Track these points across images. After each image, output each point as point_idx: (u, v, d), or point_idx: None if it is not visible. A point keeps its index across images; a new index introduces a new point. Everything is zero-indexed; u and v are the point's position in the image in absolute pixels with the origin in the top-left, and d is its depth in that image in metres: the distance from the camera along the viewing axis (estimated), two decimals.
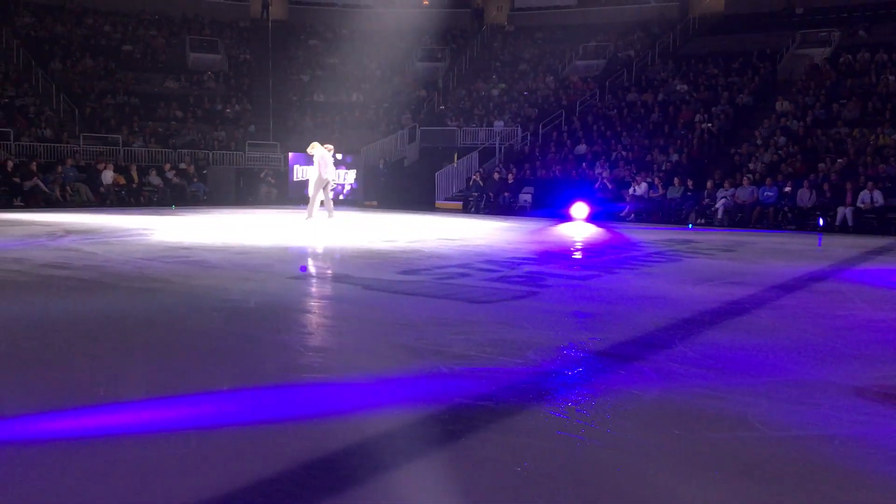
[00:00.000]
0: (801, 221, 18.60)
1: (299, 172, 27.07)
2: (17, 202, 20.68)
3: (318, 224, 15.97)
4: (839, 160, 19.89)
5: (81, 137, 26.03)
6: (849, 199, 18.19)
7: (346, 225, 16.15)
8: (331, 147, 17.02)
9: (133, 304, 6.28)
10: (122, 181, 23.66)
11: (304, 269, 9.26)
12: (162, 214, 18.50)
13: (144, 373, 4.30)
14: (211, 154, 27.78)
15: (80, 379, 4.10)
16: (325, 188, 16.64)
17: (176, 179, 24.91)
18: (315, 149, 16.45)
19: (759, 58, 27.57)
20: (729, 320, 6.09)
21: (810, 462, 3.10)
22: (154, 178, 24.31)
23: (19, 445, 3.12)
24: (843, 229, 17.73)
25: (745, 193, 19.62)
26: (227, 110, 30.66)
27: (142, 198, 23.76)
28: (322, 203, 16.65)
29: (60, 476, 2.82)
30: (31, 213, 17.66)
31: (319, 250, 11.63)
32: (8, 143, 23.99)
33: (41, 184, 21.26)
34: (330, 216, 16.62)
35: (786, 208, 19.10)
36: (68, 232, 12.79)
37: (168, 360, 4.56)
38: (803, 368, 4.57)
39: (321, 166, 16.31)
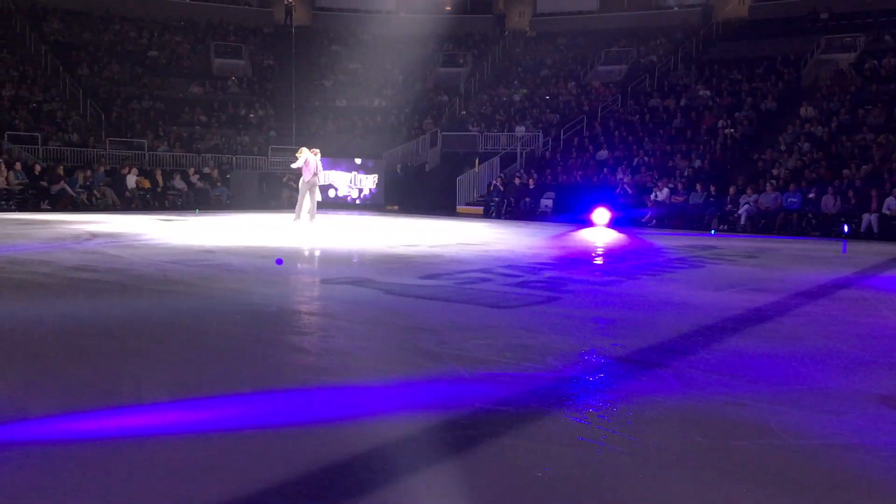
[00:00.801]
0: (825, 228, 18.41)
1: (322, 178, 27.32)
2: (45, 205, 20.96)
3: (304, 226, 16.40)
4: (864, 166, 19.68)
5: (107, 142, 26.35)
6: (874, 205, 17.98)
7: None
8: (317, 151, 17.63)
9: (157, 307, 6.35)
10: (147, 185, 23.91)
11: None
12: (186, 218, 18.67)
13: (167, 375, 4.35)
14: (234, 158, 28.01)
15: (104, 380, 4.15)
16: (311, 191, 17.18)
17: (200, 183, 25.12)
18: (301, 153, 17.17)
19: (783, 63, 27.35)
20: (752, 327, 6.05)
21: (835, 471, 3.08)
22: (178, 182, 24.53)
23: (45, 446, 3.16)
24: (869, 236, 17.53)
25: (768, 199, 19.46)
26: (251, 115, 30.91)
27: (166, 202, 23.98)
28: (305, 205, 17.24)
29: (84, 476, 2.86)
30: (57, 216, 17.89)
31: (341, 254, 11.67)
32: (36, 147, 24.33)
33: (68, 187, 21.54)
34: (311, 219, 17.07)
35: (810, 214, 18.92)
36: (94, 235, 12.94)
37: (190, 362, 4.61)
38: (827, 376, 4.53)
39: (304, 169, 16.98)
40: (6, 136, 23.91)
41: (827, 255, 13.26)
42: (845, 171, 19.62)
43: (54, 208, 20.79)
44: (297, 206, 17.36)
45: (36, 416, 3.59)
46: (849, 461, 3.18)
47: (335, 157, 28.60)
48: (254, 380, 4.25)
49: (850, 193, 18.56)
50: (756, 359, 4.89)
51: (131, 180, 23.45)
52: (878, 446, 3.35)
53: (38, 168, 21.80)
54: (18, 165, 21.34)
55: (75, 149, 25.25)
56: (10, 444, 3.14)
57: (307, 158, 17.06)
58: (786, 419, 3.65)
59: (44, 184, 21.41)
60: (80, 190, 21.87)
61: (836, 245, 15.29)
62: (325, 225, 17.20)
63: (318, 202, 17.80)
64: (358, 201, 27.58)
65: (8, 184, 20.70)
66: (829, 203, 18.61)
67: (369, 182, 27.68)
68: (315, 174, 17.23)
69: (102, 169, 23.33)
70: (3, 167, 20.69)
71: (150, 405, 3.81)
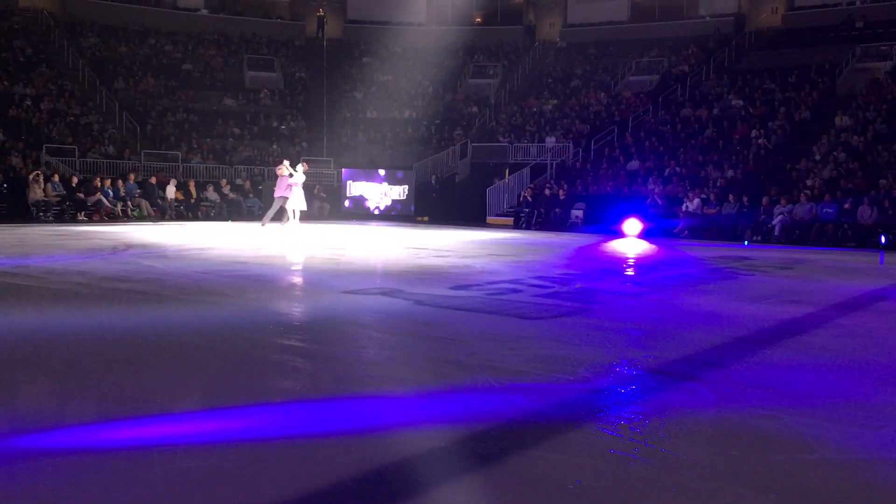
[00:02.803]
0: (861, 239, 18.11)
1: (352, 188, 27.56)
2: (81, 216, 21.33)
3: (280, 231, 17.79)
4: None
5: (142, 154, 26.77)
6: None
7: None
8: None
9: (190, 318, 6.42)
10: (181, 196, 24.25)
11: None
12: (218, 229, 18.87)
13: (200, 384, 4.39)
14: (266, 170, 28.28)
15: (137, 389, 4.20)
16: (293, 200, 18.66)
17: (232, 195, 25.40)
18: (289, 168, 18.70)
19: (818, 72, 27.01)
20: (786, 340, 5.96)
21: (872, 486, 3.02)
22: (211, 194, 24.83)
23: (79, 453, 3.21)
24: None
25: (803, 210, 19.20)
26: (283, 127, 31.21)
27: (199, 213, 24.28)
28: (276, 214, 18.86)
29: (117, 485, 2.90)
30: (93, 227, 18.19)
31: (371, 265, 11.73)
32: (73, 159, 24.79)
33: (104, 199, 21.90)
34: (283, 224, 18.47)
35: (846, 225, 18.62)
36: (129, 246, 13.14)
37: (223, 372, 4.65)
38: (864, 390, 4.45)
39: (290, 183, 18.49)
40: (44, 148, 24.40)
41: (863, 266, 13.05)
42: (882, 181, 19.30)
43: (90, 219, 21.15)
44: (279, 213, 18.62)
45: (70, 424, 3.64)
46: (887, 475, 3.12)
47: (366, 168, 28.80)
48: (286, 389, 4.28)
49: (887, 204, 18.25)
50: (791, 371, 4.82)
51: (171, 190, 23.78)
52: None
53: (74, 180, 22.20)
54: (56, 177, 21.75)
55: (111, 161, 25.68)
56: (45, 452, 3.20)
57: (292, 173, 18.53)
58: (822, 433, 3.59)
59: (80, 195, 21.80)
60: (114, 201, 22.23)
61: (873, 256, 15.04)
62: (314, 233, 17.92)
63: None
64: (377, 211, 27.59)
65: (46, 195, 21.10)
66: (866, 213, 18.31)
67: (399, 193, 27.78)
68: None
69: (133, 178, 23.63)
70: (41, 179, 21.11)
71: (182, 414, 3.86)
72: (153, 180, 23.84)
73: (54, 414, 3.81)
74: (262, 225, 18.67)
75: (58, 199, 21.38)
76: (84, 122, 27.45)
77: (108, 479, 2.93)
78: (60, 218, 20.91)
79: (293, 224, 18.30)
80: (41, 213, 20.79)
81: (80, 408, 3.92)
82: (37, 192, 20.90)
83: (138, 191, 23.33)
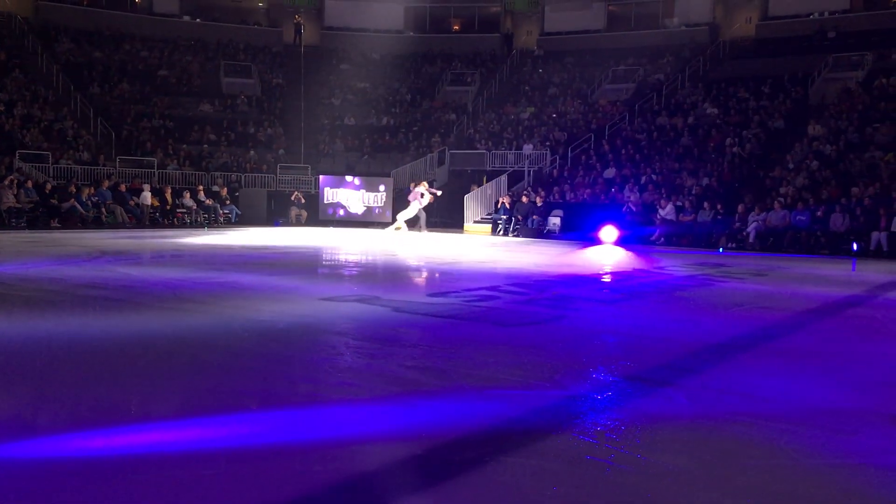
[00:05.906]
0: (834, 246, 18.34)
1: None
2: (55, 223, 21.07)
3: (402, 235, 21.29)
4: (872, 185, 19.63)
5: (118, 160, 26.51)
6: (883, 223, 17.92)
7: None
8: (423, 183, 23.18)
9: (166, 325, 6.36)
10: (157, 203, 24.04)
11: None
12: (194, 236, 18.73)
13: (176, 393, 4.35)
14: (243, 176, 28.12)
15: (113, 398, 4.16)
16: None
17: (209, 201, 25.22)
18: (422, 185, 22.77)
19: (791, 82, 27.38)
20: (761, 346, 6.02)
21: (846, 491, 3.05)
22: (187, 201, 24.63)
23: (54, 463, 3.17)
24: (878, 254, 17.47)
25: (776, 217, 19.42)
26: (260, 133, 31.06)
27: (175, 219, 24.09)
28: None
29: (93, 493, 2.87)
30: (67, 234, 17.98)
31: (349, 272, 11.69)
32: (47, 165, 24.49)
33: (78, 205, 21.65)
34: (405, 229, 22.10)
35: (818, 233, 18.86)
36: (103, 252, 13.00)
37: (199, 380, 4.61)
38: (838, 396, 4.50)
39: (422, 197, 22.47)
40: (17, 154, 24.09)
41: (836, 273, 13.21)
42: (854, 189, 19.57)
43: (64, 226, 20.90)
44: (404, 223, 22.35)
45: (43, 433, 3.60)
46: (860, 481, 3.15)
47: (343, 174, 28.68)
48: (262, 397, 4.25)
49: (859, 212, 18.51)
50: (765, 378, 4.87)
51: (146, 196, 23.54)
52: (889, 466, 3.33)
53: (48, 186, 21.93)
54: (30, 183, 21.48)
55: (86, 167, 25.40)
56: (17, 462, 3.15)
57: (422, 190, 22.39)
58: (796, 438, 3.63)
59: (54, 202, 21.54)
60: (88, 204, 21.97)
61: (846, 263, 15.24)
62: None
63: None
64: (342, 214, 27.31)
65: (18, 202, 20.83)
66: (838, 221, 18.56)
67: (377, 200, 27.68)
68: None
69: (107, 184, 23.35)
70: (13, 185, 20.83)
71: (157, 422, 3.82)
72: (122, 188, 23.53)
73: (25, 423, 3.75)
74: (397, 229, 22.12)
75: (31, 205, 21.11)
76: (58, 127, 27.13)
77: (83, 489, 2.90)
78: (34, 224, 20.65)
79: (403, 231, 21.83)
80: (14, 220, 20.51)
81: (53, 417, 3.87)
82: (9, 199, 20.63)
83: (109, 200, 23.00)
